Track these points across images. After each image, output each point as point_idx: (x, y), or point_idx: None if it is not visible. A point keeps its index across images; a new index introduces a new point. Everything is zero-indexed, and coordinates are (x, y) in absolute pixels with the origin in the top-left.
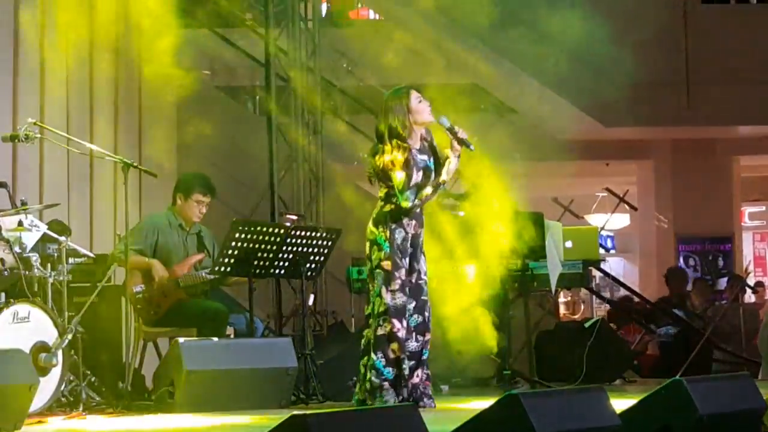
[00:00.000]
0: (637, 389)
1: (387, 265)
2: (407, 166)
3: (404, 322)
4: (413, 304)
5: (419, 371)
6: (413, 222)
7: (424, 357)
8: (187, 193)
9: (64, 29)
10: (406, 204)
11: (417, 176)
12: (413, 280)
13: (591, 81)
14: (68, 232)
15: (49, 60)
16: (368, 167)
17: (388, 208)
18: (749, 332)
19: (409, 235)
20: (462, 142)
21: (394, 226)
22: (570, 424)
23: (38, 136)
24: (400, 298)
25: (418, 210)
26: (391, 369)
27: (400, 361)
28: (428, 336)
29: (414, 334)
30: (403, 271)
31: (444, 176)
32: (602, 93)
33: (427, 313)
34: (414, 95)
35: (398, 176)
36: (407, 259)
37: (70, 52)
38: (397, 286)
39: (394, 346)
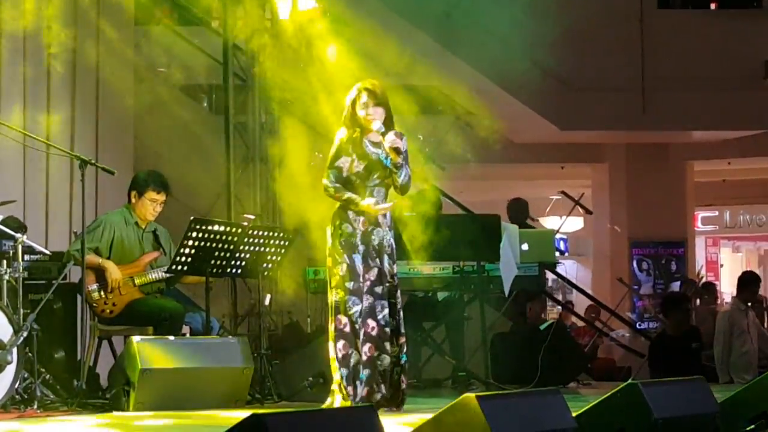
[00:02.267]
0: (592, 392)
1: (329, 261)
2: (342, 147)
3: (345, 319)
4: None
5: (403, 376)
6: (361, 218)
7: (403, 361)
8: (141, 191)
9: (21, 26)
10: (324, 183)
11: (357, 165)
12: (374, 281)
13: (547, 84)
14: (24, 228)
15: (6, 57)
16: None
17: (338, 203)
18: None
19: (358, 231)
20: (393, 150)
21: (338, 222)
22: (526, 426)
23: None
24: (337, 295)
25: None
26: (342, 368)
27: (348, 357)
28: (403, 339)
29: (392, 339)
30: (343, 267)
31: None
32: (558, 96)
33: (398, 317)
34: (363, 97)
35: (331, 152)
36: (358, 257)
37: (27, 47)
38: (335, 283)
39: (341, 344)
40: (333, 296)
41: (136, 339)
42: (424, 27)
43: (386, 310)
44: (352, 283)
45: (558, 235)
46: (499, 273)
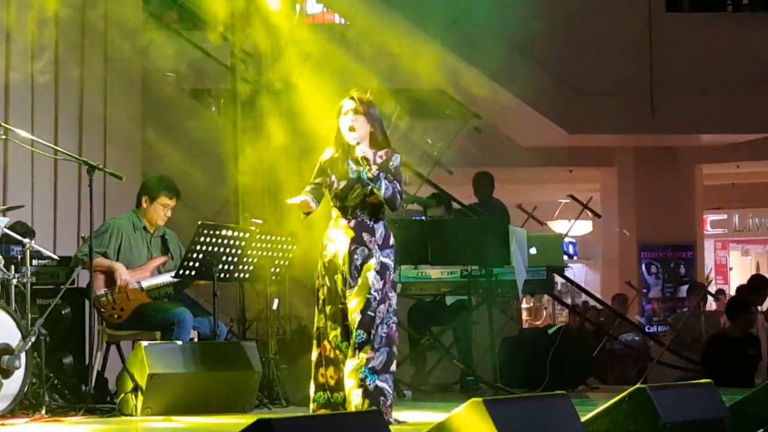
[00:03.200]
0: (601, 396)
1: (315, 282)
2: (321, 166)
3: (329, 345)
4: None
5: (356, 392)
6: (345, 237)
7: (362, 376)
8: (153, 196)
9: (30, 31)
10: None
11: (338, 185)
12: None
13: (555, 88)
14: (32, 233)
15: (14, 61)
16: None
17: (330, 221)
18: None
19: (341, 251)
20: (362, 160)
21: (324, 241)
22: (534, 430)
23: (3, 137)
24: (320, 321)
25: (351, 225)
26: (322, 393)
27: (332, 387)
28: (370, 354)
29: (357, 352)
30: (324, 290)
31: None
32: (566, 100)
33: (374, 331)
34: (344, 106)
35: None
36: (340, 277)
37: (35, 53)
38: (319, 306)
39: (322, 370)
40: (317, 321)
41: (144, 344)
42: (432, 32)
43: (357, 319)
44: (330, 306)
45: (567, 239)
46: (507, 277)
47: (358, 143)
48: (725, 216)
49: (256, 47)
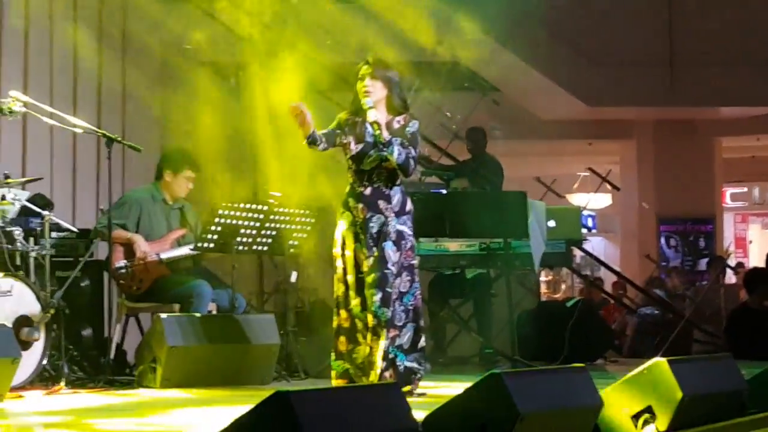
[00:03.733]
0: (619, 369)
1: (333, 253)
2: (339, 122)
3: (346, 313)
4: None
5: (388, 373)
6: (360, 205)
7: (391, 356)
8: (177, 170)
9: (48, 5)
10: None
11: (355, 147)
12: (367, 271)
13: (575, 60)
14: (51, 206)
15: (33, 34)
16: None
17: (347, 189)
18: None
19: (357, 219)
20: (374, 124)
21: (341, 210)
22: (552, 403)
23: (22, 109)
24: (339, 289)
25: (367, 192)
26: (341, 363)
27: (350, 354)
28: (393, 333)
29: (384, 331)
30: (342, 259)
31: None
32: (586, 72)
33: (392, 307)
34: (361, 69)
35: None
36: (359, 246)
37: (54, 25)
38: (337, 276)
39: (341, 338)
40: (336, 290)
41: (162, 316)
42: (450, 3)
43: (377, 297)
44: (351, 276)
45: (586, 212)
46: (526, 250)
47: (371, 107)
48: (745, 189)
49: (273, 18)
